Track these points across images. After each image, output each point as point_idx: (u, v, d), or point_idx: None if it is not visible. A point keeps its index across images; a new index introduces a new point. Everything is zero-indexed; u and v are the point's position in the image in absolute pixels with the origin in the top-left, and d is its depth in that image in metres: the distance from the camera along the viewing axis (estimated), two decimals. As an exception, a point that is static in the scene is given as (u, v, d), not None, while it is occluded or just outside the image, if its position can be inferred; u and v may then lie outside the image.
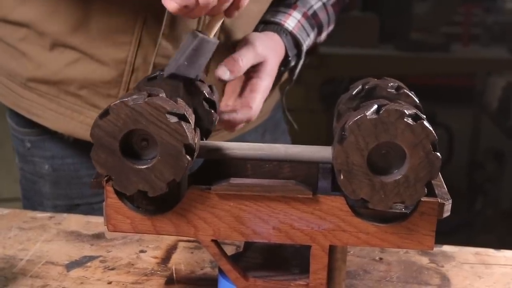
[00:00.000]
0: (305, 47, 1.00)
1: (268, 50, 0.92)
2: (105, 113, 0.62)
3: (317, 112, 2.89)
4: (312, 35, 1.03)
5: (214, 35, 0.78)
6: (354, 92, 0.72)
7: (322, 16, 1.04)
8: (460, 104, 3.50)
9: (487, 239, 2.76)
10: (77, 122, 0.96)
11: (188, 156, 0.62)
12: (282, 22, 0.99)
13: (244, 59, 0.87)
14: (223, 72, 0.85)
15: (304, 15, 1.02)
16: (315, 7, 1.04)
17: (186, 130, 0.62)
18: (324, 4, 1.05)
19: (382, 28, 3.06)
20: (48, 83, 0.95)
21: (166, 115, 0.62)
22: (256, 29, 0.99)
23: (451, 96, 3.53)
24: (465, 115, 3.43)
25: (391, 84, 0.71)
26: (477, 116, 3.35)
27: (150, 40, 0.91)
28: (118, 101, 0.62)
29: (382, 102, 0.63)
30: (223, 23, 0.92)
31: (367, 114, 0.61)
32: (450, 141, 3.36)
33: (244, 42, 0.91)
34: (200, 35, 0.74)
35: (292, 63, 1.00)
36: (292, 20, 1.00)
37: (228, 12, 0.77)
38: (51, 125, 0.99)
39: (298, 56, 1.01)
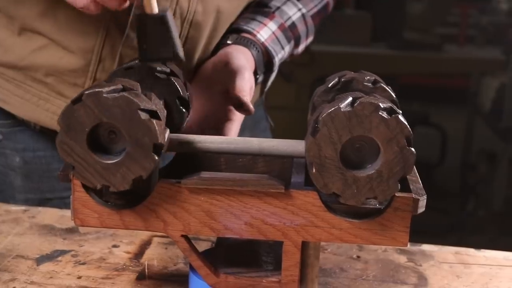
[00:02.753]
0: (277, 60, 0.97)
1: (252, 78, 0.90)
2: (77, 100, 0.60)
3: (308, 111, 2.87)
4: (288, 48, 1.00)
5: (167, 11, 0.74)
6: (330, 84, 0.70)
7: (301, 28, 1.01)
8: (453, 104, 3.48)
9: (478, 239, 2.75)
10: (43, 109, 0.95)
11: (155, 155, 0.61)
12: (255, 32, 0.95)
13: (246, 95, 0.86)
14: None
15: (281, 26, 0.98)
16: (294, 18, 1.00)
17: (157, 128, 0.60)
18: (303, 15, 1.01)
19: (375, 26, 3.04)
20: (15, 68, 0.94)
21: (138, 111, 0.60)
22: (227, 37, 0.95)
23: (444, 97, 3.52)
24: (458, 116, 3.42)
25: (368, 77, 0.70)
26: (470, 117, 3.34)
27: (117, 30, 0.90)
28: (92, 90, 0.60)
29: (357, 95, 0.61)
30: (192, 19, 0.90)
31: (341, 106, 0.59)
32: (443, 142, 3.35)
33: (234, 71, 0.88)
34: (138, 14, 0.72)
35: (260, 79, 0.97)
36: (265, 31, 0.96)
37: None
38: (17, 112, 0.97)
39: (269, 69, 0.97)
